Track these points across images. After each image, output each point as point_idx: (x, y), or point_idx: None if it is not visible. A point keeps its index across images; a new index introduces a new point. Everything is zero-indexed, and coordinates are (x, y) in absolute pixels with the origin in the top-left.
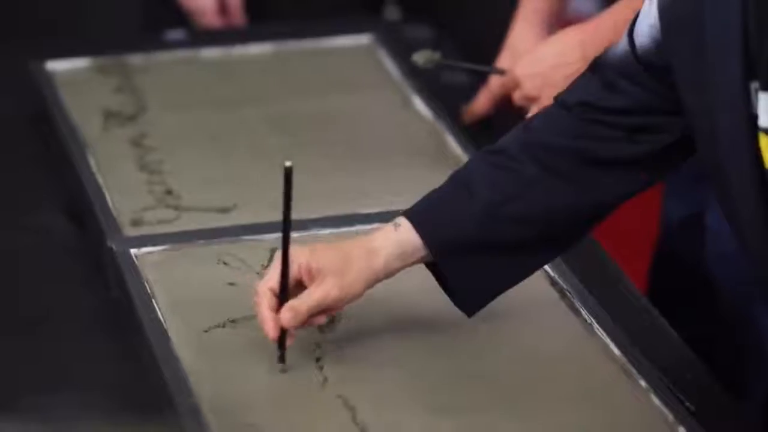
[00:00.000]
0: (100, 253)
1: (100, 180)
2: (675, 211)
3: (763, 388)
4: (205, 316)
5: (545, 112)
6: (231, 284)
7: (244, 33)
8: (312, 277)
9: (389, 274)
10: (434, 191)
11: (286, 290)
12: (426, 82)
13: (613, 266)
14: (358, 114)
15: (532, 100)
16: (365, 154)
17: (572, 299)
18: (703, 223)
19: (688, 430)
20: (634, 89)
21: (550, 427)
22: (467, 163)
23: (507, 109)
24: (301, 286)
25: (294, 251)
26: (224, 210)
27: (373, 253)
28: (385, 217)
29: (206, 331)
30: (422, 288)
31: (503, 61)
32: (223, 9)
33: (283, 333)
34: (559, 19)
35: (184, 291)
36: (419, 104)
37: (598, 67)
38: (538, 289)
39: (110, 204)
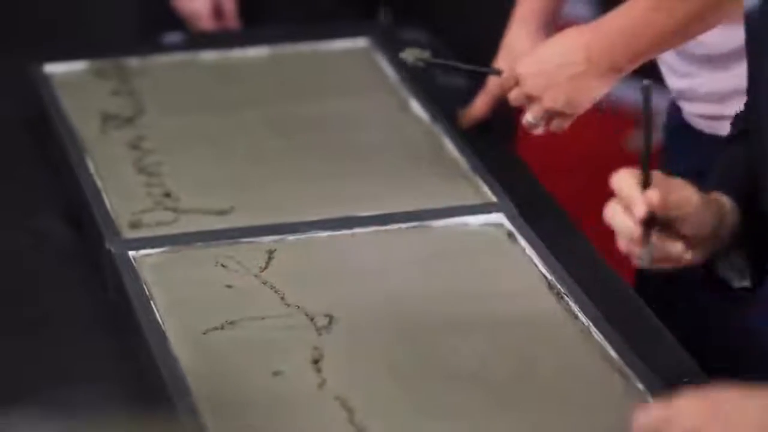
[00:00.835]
0: (98, 256)
1: (99, 182)
2: None
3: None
4: (204, 318)
5: None
6: (229, 286)
7: (241, 36)
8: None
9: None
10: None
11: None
12: (423, 85)
13: (609, 270)
14: (355, 117)
15: (532, 99)
16: (362, 157)
17: (569, 302)
18: None
19: None
20: None
21: (548, 430)
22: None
23: (505, 112)
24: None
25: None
26: (222, 212)
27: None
28: (384, 220)
29: (204, 333)
30: (421, 289)
31: (500, 61)
32: (217, 13)
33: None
34: (555, 22)
35: (182, 293)
36: (416, 107)
37: None
38: (536, 293)
39: (108, 206)
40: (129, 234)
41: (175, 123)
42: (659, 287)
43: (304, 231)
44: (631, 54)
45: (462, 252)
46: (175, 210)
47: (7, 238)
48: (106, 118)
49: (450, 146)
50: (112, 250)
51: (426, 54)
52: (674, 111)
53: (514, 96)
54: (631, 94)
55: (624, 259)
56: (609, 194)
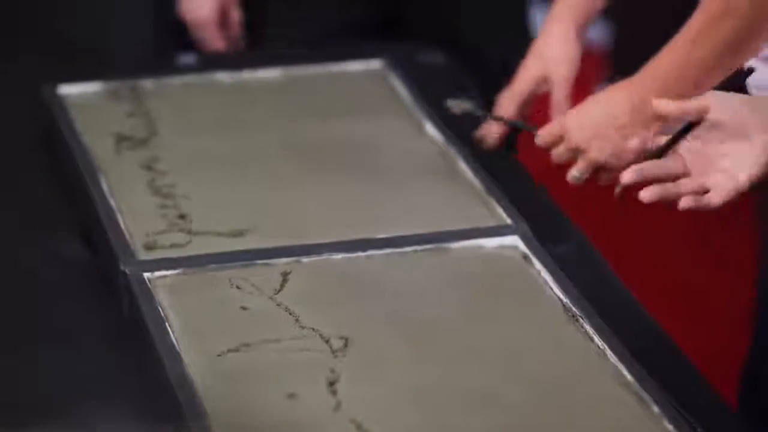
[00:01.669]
0: (113, 277)
1: (113, 204)
2: None
3: None
4: (219, 340)
5: None
6: (244, 308)
7: (255, 57)
8: None
9: None
10: None
11: None
12: (437, 107)
13: (625, 292)
14: (370, 139)
15: (579, 151)
16: (377, 178)
17: (584, 324)
18: None
19: None
20: None
21: None
22: None
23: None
24: None
25: None
26: (236, 234)
27: None
28: (399, 242)
29: (219, 355)
30: (436, 311)
31: (530, 65)
32: (223, 22)
33: None
34: (590, 25)
35: (197, 315)
36: (431, 129)
37: None
38: (551, 314)
39: (123, 228)
40: (144, 255)
41: (189, 144)
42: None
43: (318, 253)
44: (671, 98)
45: (477, 275)
46: (189, 232)
47: (23, 257)
48: (120, 139)
49: (465, 168)
50: (127, 271)
51: (469, 105)
52: None
53: (559, 152)
54: None
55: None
56: (613, 201)
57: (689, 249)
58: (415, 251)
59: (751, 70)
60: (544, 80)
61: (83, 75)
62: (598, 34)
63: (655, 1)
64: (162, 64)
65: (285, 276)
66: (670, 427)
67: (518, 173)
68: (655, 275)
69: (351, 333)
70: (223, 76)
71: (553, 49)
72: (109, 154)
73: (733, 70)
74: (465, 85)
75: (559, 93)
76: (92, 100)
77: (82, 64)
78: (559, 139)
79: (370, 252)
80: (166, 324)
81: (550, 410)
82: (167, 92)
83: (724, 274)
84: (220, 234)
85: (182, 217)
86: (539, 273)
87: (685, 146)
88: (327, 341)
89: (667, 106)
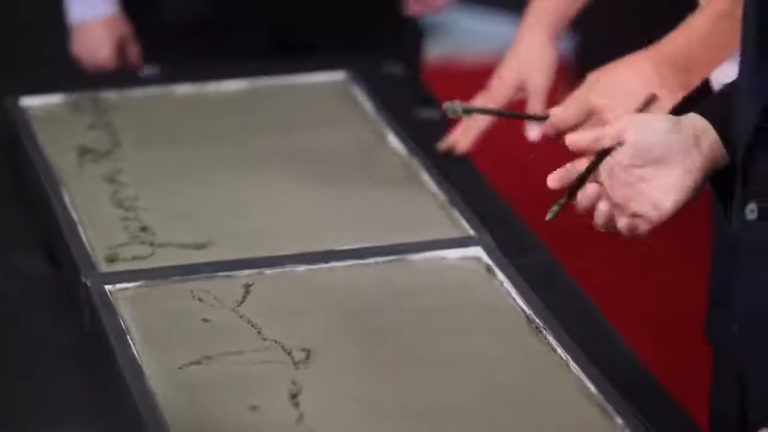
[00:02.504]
0: (74, 289)
1: (75, 216)
2: None
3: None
4: (180, 353)
5: None
6: (205, 320)
7: (217, 69)
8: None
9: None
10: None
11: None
12: (400, 119)
13: (589, 303)
14: (333, 150)
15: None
16: (340, 190)
17: (547, 336)
18: None
19: None
20: None
21: None
22: None
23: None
24: None
25: None
26: (199, 246)
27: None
28: (362, 253)
29: (181, 368)
30: (399, 323)
31: (505, 72)
32: (121, 58)
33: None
34: (565, 26)
35: (159, 327)
36: (394, 141)
37: None
38: (514, 325)
39: (85, 240)
40: (105, 267)
41: (152, 156)
42: None
43: (281, 265)
44: None
45: (440, 286)
46: (151, 244)
47: None
48: (83, 152)
49: (427, 179)
50: (89, 283)
51: (465, 106)
52: None
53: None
54: None
55: None
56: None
57: (654, 255)
58: (378, 263)
59: None
60: (520, 87)
61: (45, 87)
62: (561, 45)
63: (618, 13)
64: (124, 76)
65: (247, 288)
66: None
67: (481, 184)
68: (619, 285)
69: (313, 345)
70: (186, 88)
71: (529, 57)
72: (71, 166)
73: None
74: (428, 96)
75: (536, 101)
76: (54, 112)
77: (44, 75)
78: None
79: (332, 264)
80: (128, 336)
81: (512, 421)
82: (129, 104)
83: (687, 278)
84: (182, 246)
85: (144, 229)
86: (502, 284)
87: (606, 170)
88: (289, 353)
89: (579, 140)
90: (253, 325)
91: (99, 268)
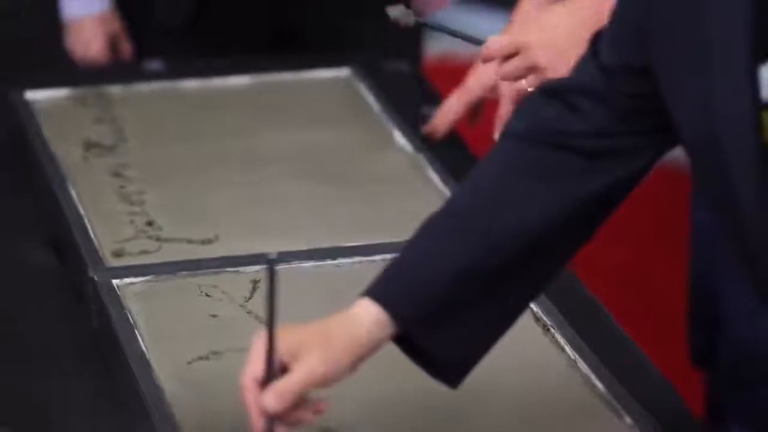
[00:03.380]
0: (81, 284)
1: (82, 211)
2: None
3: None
4: (189, 348)
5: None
6: (213, 316)
7: (223, 65)
8: (295, 356)
9: (374, 344)
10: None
11: (271, 379)
12: (405, 115)
13: (596, 303)
14: (337, 147)
15: (538, 70)
16: (346, 186)
17: (556, 335)
18: None
19: None
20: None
21: None
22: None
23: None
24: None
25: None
26: (206, 241)
27: (354, 320)
28: (369, 250)
29: (189, 363)
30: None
31: (483, 71)
32: (113, 54)
33: (271, 424)
34: None
35: (166, 322)
36: (399, 137)
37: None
38: (522, 325)
39: (92, 235)
40: (112, 262)
41: (157, 151)
42: None
43: (288, 261)
44: None
45: None
46: (158, 239)
47: None
48: (88, 146)
49: (433, 176)
50: (96, 278)
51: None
52: None
53: (512, 67)
54: None
55: None
56: None
57: (655, 247)
58: (385, 260)
59: None
60: (495, 88)
61: (51, 81)
62: None
63: None
64: (129, 71)
65: (255, 284)
66: None
67: None
68: (619, 278)
69: None
70: (191, 83)
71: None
72: (77, 160)
73: None
74: (432, 93)
75: (507, 106)
76: (60, 106)
77: (50, 70)
78: (515, 53)
79: (339, 260)
80: (136, 331)
81: (521, 422)
82: (135, 99)
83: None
84: (189, 241)
85: (151, 224)
86: None
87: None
88: None
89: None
90: (261, 321)
91: (106, 262)
